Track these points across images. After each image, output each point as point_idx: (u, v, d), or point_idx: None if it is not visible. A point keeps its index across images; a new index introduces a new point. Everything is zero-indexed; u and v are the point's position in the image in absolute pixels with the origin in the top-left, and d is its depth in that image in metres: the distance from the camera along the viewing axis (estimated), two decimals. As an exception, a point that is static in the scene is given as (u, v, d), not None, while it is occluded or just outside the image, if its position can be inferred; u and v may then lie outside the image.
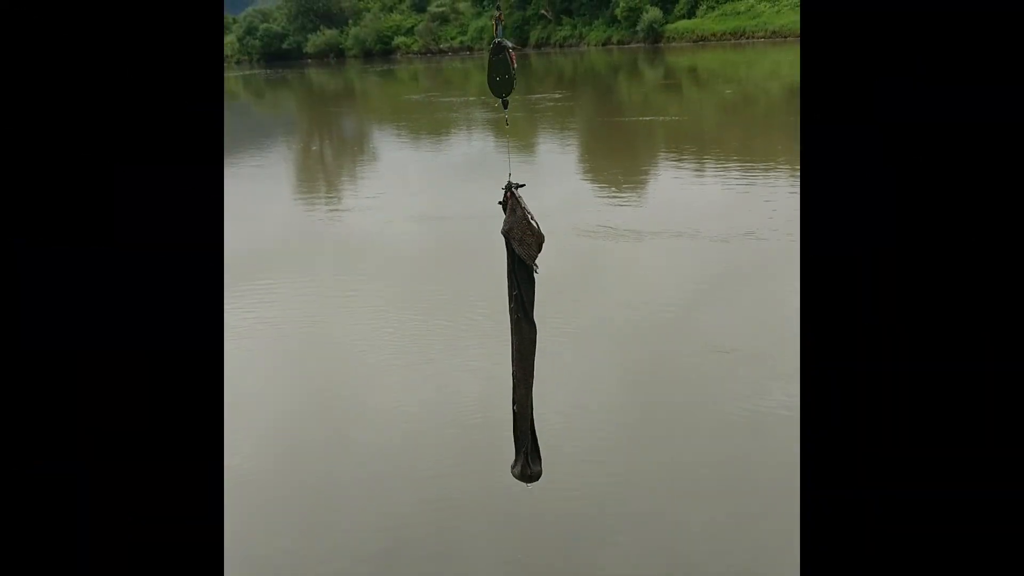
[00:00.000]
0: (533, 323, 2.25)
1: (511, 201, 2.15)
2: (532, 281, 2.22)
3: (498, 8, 2.14)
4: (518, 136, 17.14)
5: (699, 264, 7.70)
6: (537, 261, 2.19)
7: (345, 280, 8.39)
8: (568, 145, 16.72)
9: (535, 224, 2.15)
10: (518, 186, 2.15)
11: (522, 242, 2.15)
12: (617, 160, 14.41)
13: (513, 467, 2.40)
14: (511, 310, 2.25)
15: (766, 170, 11.57)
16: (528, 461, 2.37)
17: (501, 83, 2.12)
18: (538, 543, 3.88)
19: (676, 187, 11.48)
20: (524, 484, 2.41)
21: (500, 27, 2.13)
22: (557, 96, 25.80)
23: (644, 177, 12.79)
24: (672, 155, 14.26)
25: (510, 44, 2.11)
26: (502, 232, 2.17)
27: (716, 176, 11.94)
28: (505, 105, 2.17)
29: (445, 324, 6.69)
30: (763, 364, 5.42)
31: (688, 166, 12.98)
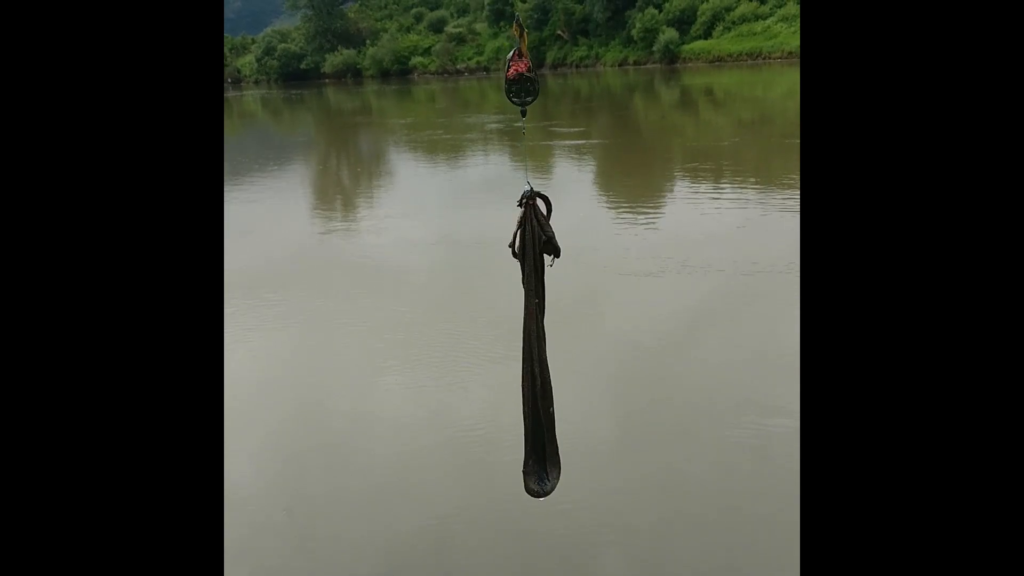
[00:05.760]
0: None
1: (536, 208, 2.09)
2: None
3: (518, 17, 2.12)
4: (532, 156, 17.15)
5: (707, 292, 7.63)
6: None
7: (351, 297, 8.40)
8: (582, 167, 16.69)
9: (547, 201, 2.13)
10: (538, 195, 2.10)
11: (554, 236, 2.12)
12: (631, 183, 14.38)
13: (549, 480, 2.30)
14: (538, 321, 2.18)
15: (784, 196, 11.48)
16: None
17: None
18: (538, 558, 3.87)
19: (690, 213, 11.41)
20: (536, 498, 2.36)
21: (517, 42, 2.10)
22: (573, 112, 25.86)
23: (658, 202, 12.75)
24: (688, 179, 14.20)
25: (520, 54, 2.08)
26: (549, 236, 2.11)
27: (733, 201, 11.86)
28: (523, 115, 2.13)
29: (448, 342, 6.67)
30: (765, 379, 5.34)
31: (704, 190, 12.91)
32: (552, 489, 2.33)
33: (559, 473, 2.32)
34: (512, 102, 2.11)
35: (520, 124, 2.15)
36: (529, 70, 2.09)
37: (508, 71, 2.08)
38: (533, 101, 2.13)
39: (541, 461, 2.31)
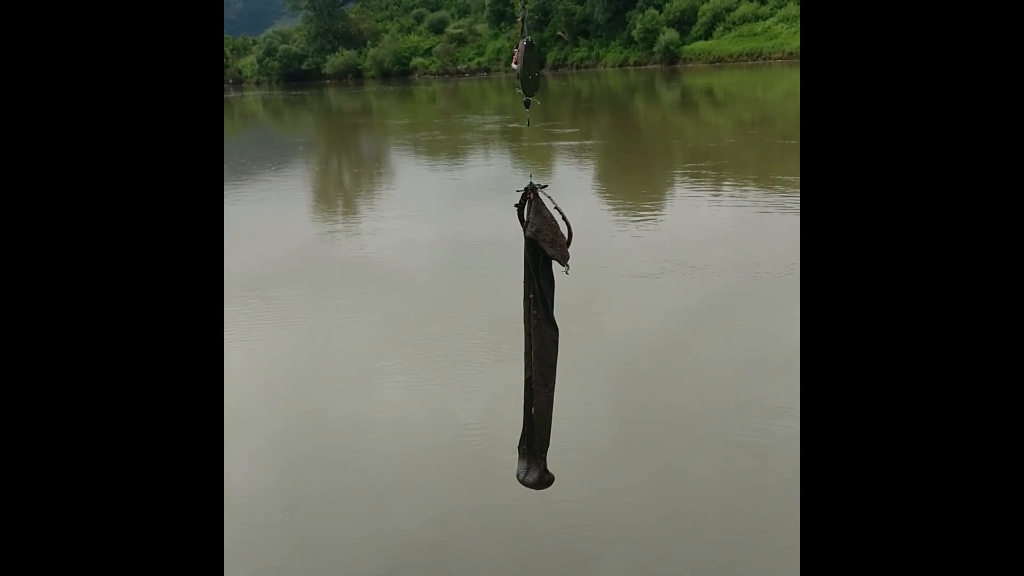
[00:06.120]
0: (555, 324, 2.20)
1: (535, 203, 2.09)
2: (553, 282, 2.18)
3: (524, 6, 2.10)
4: (532, 156, 17.17)
5: (707, 293, 7.63)
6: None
7: (350, 298, 8.41)
8: (582, 168, 16.69)
9: (567, 221, 2.11)
10: (541, 187, 2.09)
11: (554, 243, 2.10)
12: (631, 184, 14.37)
13: (527, 475, 2.33)
14: (529, 315, 2.19)
15: (784, 196, 11.47)
16: (546, 467, 2.32)
17: (533, 81, 2.09)
18: (538, 558, 3.87)
19: (690, 214, 11.41)
20: (533, 492, 2.36)
21: (526, 26, 2.08)
22: (574, 112, 25.85)
23: (658, 202, 12.74)
24: (688, 179, 14.19)
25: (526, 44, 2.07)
26: (529, 235, 2.10)
27: (732, 202, 11.86)
28: (527, 104, 2.12)
29: (449, 342, 6.67)
30: (765, 380, 5.34)
31: (704, 191, 12.91)
32: (529, 483, 2.34)
33: (539, 476, 2.32)
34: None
35: (517, 124, 2.15)
36: (517, 62, 2.09)
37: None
38: (521, 92, 2.11)
39: (528, 453, 2.33)
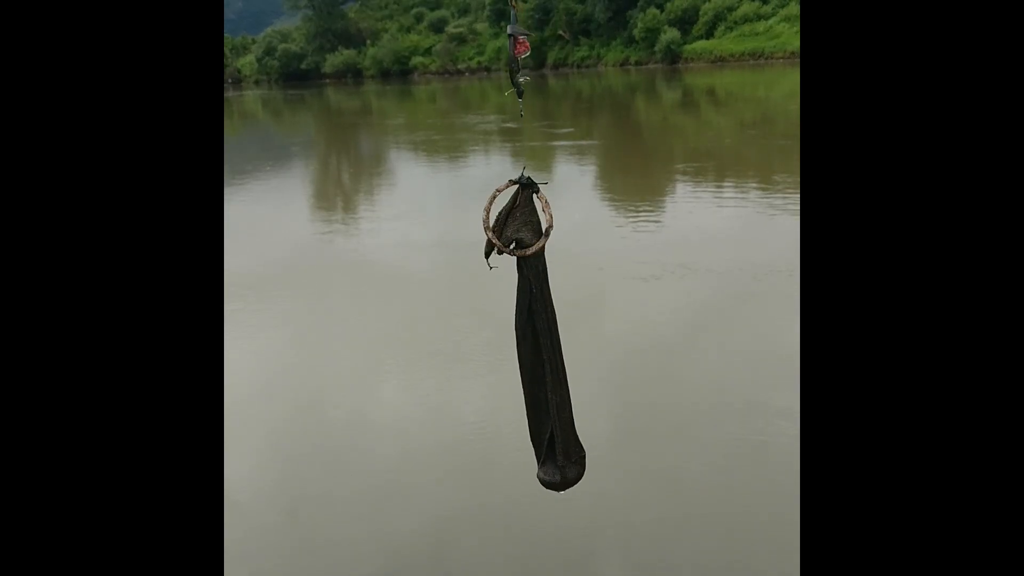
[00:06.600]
0: (518, 328, 2.12)
1: (522, 193, 2.01)
2: (526, 286, 2.08)
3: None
4: (531, 156, 17.18)
5: (707, 294, 7.64)
6: (492, 261, 2.08)
7: (350, 298, 8.42)
8: (582, 168, 16.68)
9: (500, 242, 2.04)
10: (520, 179, 2.00)
11: (496, 224, 2.02)
12: (631, 184, 14.38)
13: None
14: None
15: (784, 196, 11.47)
16: (539, 467, 2.31)
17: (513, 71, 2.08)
18: (538, 558, 3.87)
19: (690, 215, 11.41)
20: (533, 492, 2.36)
21: (514, 14, 2.07)
22: (575, 112, 25.86)
23: (658, 203, 12.75)
24: (688, 179, 14.20)
25: (521, 32, 2.05)
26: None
27: (733, 202, 11.86)
28: (519, 95, 2.11)
29: (447, 343, 6.68)
30: (766, 380, 5.35)
31: (704, 192, 12.91)
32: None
33: (538, 473, 2.33)
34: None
35: (517, 124, 2.14)
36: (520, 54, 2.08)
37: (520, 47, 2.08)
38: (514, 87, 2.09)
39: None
